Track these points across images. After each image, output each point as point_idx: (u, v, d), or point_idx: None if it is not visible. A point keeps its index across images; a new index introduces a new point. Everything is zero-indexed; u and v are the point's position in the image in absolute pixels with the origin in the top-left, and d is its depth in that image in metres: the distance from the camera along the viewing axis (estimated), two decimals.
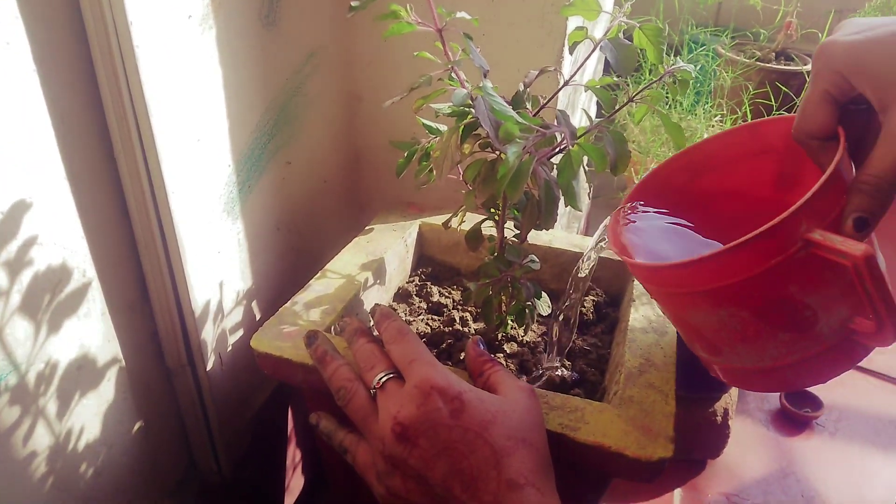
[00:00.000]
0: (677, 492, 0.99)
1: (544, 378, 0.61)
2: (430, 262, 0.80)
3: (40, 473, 0.50)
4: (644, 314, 0.63)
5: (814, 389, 1.17)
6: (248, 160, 0.65)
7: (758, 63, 1.41)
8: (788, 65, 1.45)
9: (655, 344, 0.59)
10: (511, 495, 0.42)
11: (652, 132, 1.31)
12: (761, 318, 0.43)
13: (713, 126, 1.30)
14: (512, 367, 0.63)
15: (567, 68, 0.75)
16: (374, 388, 0.47)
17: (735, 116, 1.27)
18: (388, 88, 0.83)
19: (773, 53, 1.48)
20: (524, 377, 0.62)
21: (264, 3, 0.63)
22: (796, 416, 1.12)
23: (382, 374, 0.47)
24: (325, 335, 0.53)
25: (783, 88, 1.29)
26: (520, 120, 0.49)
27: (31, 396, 0.48)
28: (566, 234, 0.82)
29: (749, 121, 1.06)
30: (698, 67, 1.35)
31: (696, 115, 1.31)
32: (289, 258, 0.78)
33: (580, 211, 0.53)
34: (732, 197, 0.57)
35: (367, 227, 0.77)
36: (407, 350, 0.48)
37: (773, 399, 1.16)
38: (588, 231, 1.36)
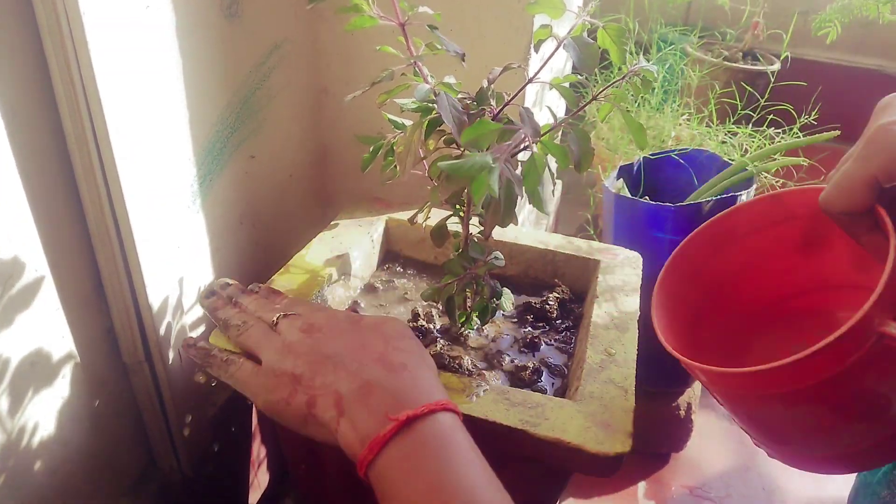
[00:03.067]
0: (641, 485, 1.01)
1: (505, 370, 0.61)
2: (398, 258, 0.80)
3: None
4: (606, 311, 0.64)
5: None
6: (209, 153, 0.64)
7: (724, 62, 1.43)
8: (755, 64, 1.47)
9: (617, 340, 0.60)
10: (401, 357, 0.46)
11: (620, 129, 1.32)
12: (837, 411, 0.43)
13: (680, 124, 1.32)
14: (476, 360, 0.63)
15: (535, 66, 0.75)
16: (276, 320, 0.51)
17: (702, 115, 1.29)
18: (356, 82, 0.82)
19: (741, 53, 1.50)
20: (489, 371, 0.62)
21: None
22: None
23: (282, 313, 0.52)
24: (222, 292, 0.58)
25: (748, 88, 1.31)
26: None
27: None
28: (533, 230, 0.82)
29: (715, 123, 1.07)
30: (666, 66, 1.37)
31: (663, 113, 1.32)
32: (253, 252, 0.77)
33: (546, 214, 0.53)
34: (756, 268, 0.57)
35: (332, 223, 0.76)
36: (294, 300, 0.55)
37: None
38: (557, 227, 1.36)
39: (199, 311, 0.68)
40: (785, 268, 0.55)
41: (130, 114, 0.51)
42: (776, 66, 1.45)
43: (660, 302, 0.55)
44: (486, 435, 0.50)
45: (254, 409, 0.83)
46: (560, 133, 0.58)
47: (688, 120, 1.33)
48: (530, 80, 0.57)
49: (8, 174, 0.46)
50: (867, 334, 0.39)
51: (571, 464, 0.50)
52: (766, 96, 1.12)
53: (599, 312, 0.64)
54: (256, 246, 0.77)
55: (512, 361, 0.63)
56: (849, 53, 1.89)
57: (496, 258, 0.61)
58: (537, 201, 0.50)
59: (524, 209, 1.02)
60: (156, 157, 0.56)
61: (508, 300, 0.64)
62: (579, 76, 0.62)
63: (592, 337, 0.60)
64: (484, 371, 0.61)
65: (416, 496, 0.39)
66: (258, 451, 0.87)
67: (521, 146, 0.54)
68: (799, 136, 1.02)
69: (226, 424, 0.75)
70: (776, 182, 1.11)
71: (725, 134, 1.18)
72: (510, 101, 0.58)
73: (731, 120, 1.17)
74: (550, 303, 0.70)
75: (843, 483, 1.01)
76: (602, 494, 0.99)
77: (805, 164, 0.96)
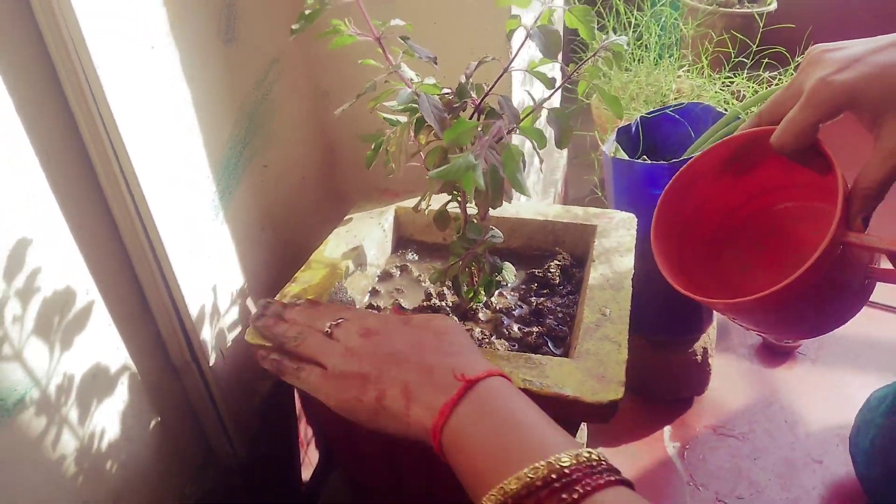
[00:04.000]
0: (667, 429, 1.06)
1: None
2: (410, 243, 0.86)
3: (71, 473, 0.57)
4: (602, 272, 0.69)
5: None
6: (225, 169, 0.71)
7: (719, 9, 1.43)
8: (751, 7, 1.47)
9: (612, 299, 0.65)
10: (455, 347, 0.51)
11: (619, 91, 1.35)
12: (817, 303, 0.54)
13: (679, 77, 1.34)
14: (487, 332, 0.68)
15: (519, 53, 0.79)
16: (329, 328, 0.55)
17: (699, 65, 1.30)
18: (354, 82, 0.87)
19: None
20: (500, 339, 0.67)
21: (221, 22, 0.67)
22: (778, 348, 1.18)
23: (333, 321, 0.56)
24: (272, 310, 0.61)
25: (739, 36, 1.31)
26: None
27: (53, 407, 0.54)
28: (533, 203, 0.87)
29: (712, 73, 1.10)
30: (662, 20, 1.38)
31: (661, 68, 1.34)
32: (277, 254, 0.84)
33: (529, 196, 0.58)
34: (714, 195, 0.67)
35: (346, 217, 0.82)
36: (337, 308, 0.59)
37: (755, 335, 1.22)
38: (566, 193, 1.40)
39: (234, 314, 0.75)
40: (732, 187, 0.66)
41: (149, 145, 0.57)
42: (772, 6, 1.45)
43: (659, 250, 0.63)
44: None
45: (296, 393, 0.91)
46: (539, 115, 0.63)
47: (687, 72, 1.35)
48: (505, 70, 0.62)
49: (52, 215, 0.53)
50: (836, 246, 0.50)
51: (573, 414, 0.55)
52: (758, 40, 1.13)
53: (595, 275, 0.69)
54: (280, 247, 0.84)
55: (519, 329, 0.68)
56: None
57: (493, 236, 0.67)
58: (518, 186, 0.55)
59: (530, 181, 1.07)
60: (177, 181, 0.62)
61: (510, 272, 0.69)
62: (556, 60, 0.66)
63: (589, 299, 0.65)
64: (494, 340, 0.67)
65: (486, 443, 0.43)
66: (305, 431, 0.95)
67: (504, 134, 0.59)
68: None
69: (272, 410, 0.83)
70: None
71: (723, 82, 1.20)
72: (489, 91, 0.62)
73: (727, 68, 1.19)
74: (552, 270, 0.75)
75: (847, 413, 1.04)
76: (630, 441, 1.05)
77: None
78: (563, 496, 0.38)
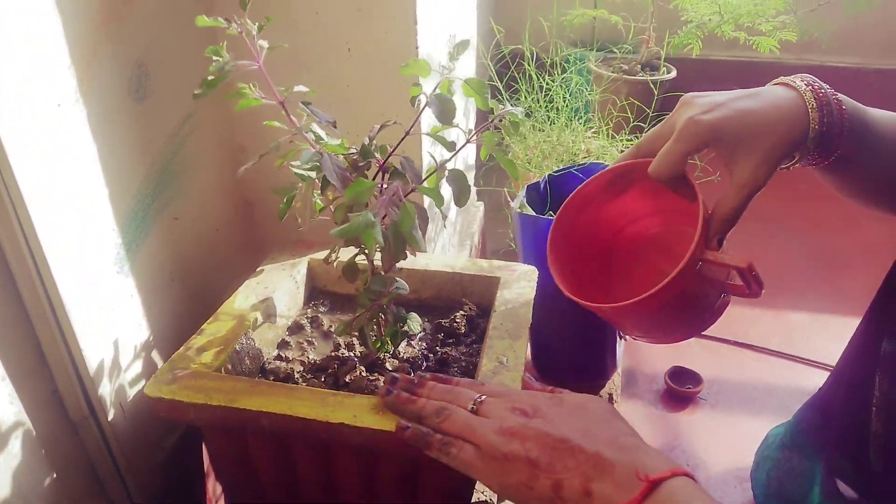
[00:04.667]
0: None
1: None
2: (323, 294, 0.88)
3: None
4: (502, 322, 0.73)
5: (694, 366, 1.29)
6: (132, 222, 0.71)
7: (624, 76, 1.54)
8: (653, 74, 1.60)
9: (509, 348, 0.69)
10: (628, 440, 0.51)
11: (537, 148, 1.42)
12: (680, 309, 0.62)
13: (588, 138, 1.42)
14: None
15: (424, 117, 0.84)
16: (473, 406, 0.54)
17: (607, 128, 1.40)
18: (270, 138, 0.89)
19: (639, 66, 1.62)
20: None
21: (133, 82, 0.69)
22: (679, 393, 1.24)
23: (478, 396, 0.55)
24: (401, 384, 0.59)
25: (637, 102, 1.41)
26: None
27: None
28: (442, 257, 0.91)
29: (615, 134, 1.20)
30: (572, 85, 1.48)
31: (571, 129, 1.42)
32: (188, 306, 0.84)
33: (423, 251, 0.61)
34: (601, 218, 0.74)
35: (258, 269, 0.84)
36: (469, 382, 0.60)
37: (659, 380, 1.28)
38: (484, 247, 1.45)
39: (138, 367, 0.74)
40: (616, 211, 0.73)
41: (50, 197, 0.58)
42: (672, 74, 1.57)
43: (554, 266, 0.68)
44: (398, 443, 0.58)
45: (204, 448, 0.89)
46: (443, 175, 0.67)
47: (595, 133, 1.44)
48: (407, 133, 0.66)
49: None
50: (695, 262, 0.57)
51: None
52: (654, 105, 1.23)
53: (496, 324, 0.72)
54: (190, 300, 0.84)
55: None
56: (749, 50, 2.04)
57: (399, 288, 0.69)
58: (413, 242, 0.59)
59: (445, 235, 1.11)
60: (79, 233, 0.63)
61: (416, 322, 0.72)
62: (454, 124, 0.71)
63: (489, 348, 0.69)
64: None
65: None
66: (214, 488, 0.93)
67: (407, 191, 0.63)
68: None
69: (177, 466, 0.82)
70: None
71: (624, 144, 1.29)
72: (392, 152, 0.66)
73: (627, 130, 1.28)
74: (458, 321, 0.78)
75: (746, 457, 1.11)
76: None
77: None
78: None
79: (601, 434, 0.50)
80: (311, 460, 0.65)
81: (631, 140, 1.25)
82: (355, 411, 0.59)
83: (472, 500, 0.97)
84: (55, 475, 0.65)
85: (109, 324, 0.68)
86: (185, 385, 0.62)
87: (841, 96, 0.61)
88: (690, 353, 1.39)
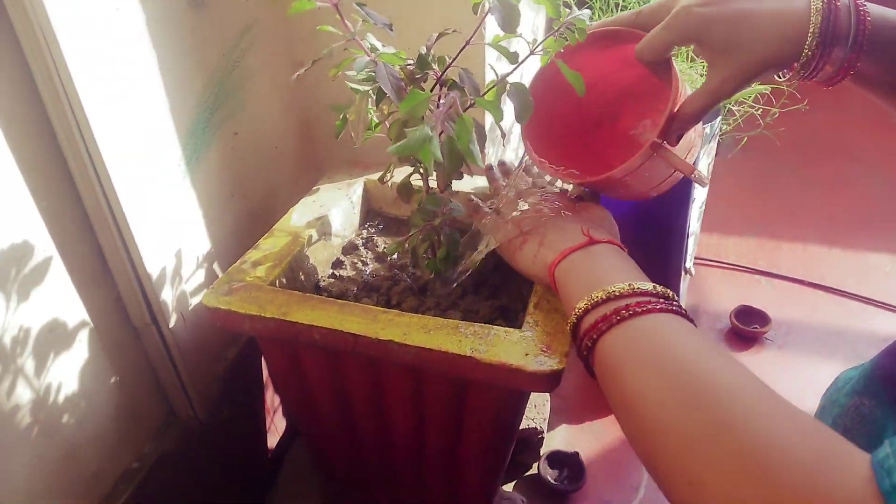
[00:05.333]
0: None
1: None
2: (379, 215, 0.87)
3: (25, 423, 0.58)
4: None
5: (762, 306, 1.24)
6: (192, 135, 0.71)
7: None
8: None
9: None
10: (606, 227, 0.66)
11: None
12: (642, 179, 0.67)
13: None
14: (443, 303, 0.69)
15: (489, 27, 0.79)
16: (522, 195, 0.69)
17: (687, 50, 1.31)
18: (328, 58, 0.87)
19: None
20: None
21: None
22: (745, 333, 1.19)
23: (529, 196, 0.69)
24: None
25: None
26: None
27: (8, 357, 0.55)
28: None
29: (692, 55, 1.12)
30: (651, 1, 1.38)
31: None
32: (245, 221, 0.84)
33: (480, 166, 0.59)
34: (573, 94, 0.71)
35: (314, 188, 0.83)
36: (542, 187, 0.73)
37: (724, 318, 1.23)
38: None
39: (200, 278, 0.76)
40: (594, 67, 0.72)
41: (109, 106, 0.58)
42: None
43: (526, 129, 0.71)
44: (443, 363, 0.57)
45: (263, 362, 0.92)
46: (504, 88, 0.64)
47: (673, 55, 1.35)
48: (467, 43, 0.62)
49: (10, 172, 0.53)
50: (655, 149, 0.61)
51: (517, 383, 0.57)
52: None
53: None
54: (249, 215, 0.85)
55: (475, 303, 0.69)
56: None
57: (453, 209, 0.67)
58: (471, 158, 0.56)
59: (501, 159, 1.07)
60: (140, 143, 0.63)
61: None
62: (518, 34, 0.67)
63: None
64: (449, 311, 0.68)
65: (581, 278, 0.54)
66: (272, 400, 0.96)
67: (466, 105, 0.60)
68: None
69: (237, 377, 0.84)
70: (756, 109, 1.14)
71: (704, 68, 1.21)
72: (451, 63, 0.63)
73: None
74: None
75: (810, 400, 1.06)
76: (595, 419, 1.07)
77: (766, 89, 0.98)
78: (614, 315, 0.47)
79: (576, 216, 0.65)
80: (362, 376, 0.66)
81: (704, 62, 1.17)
82: (405, 329, 0.59)
83: (521, 427, 0.97)
84: (118, 378, 0.68)
85: (171, 234, 0.69)
86: (241, 297, 0.63)
87: (871, 6, 0.53)
88: (759, 292, 1.33)
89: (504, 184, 0.73)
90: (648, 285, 0.49)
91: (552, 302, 0.62)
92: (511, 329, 0.59)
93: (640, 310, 0.46)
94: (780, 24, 0.53)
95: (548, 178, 0.74)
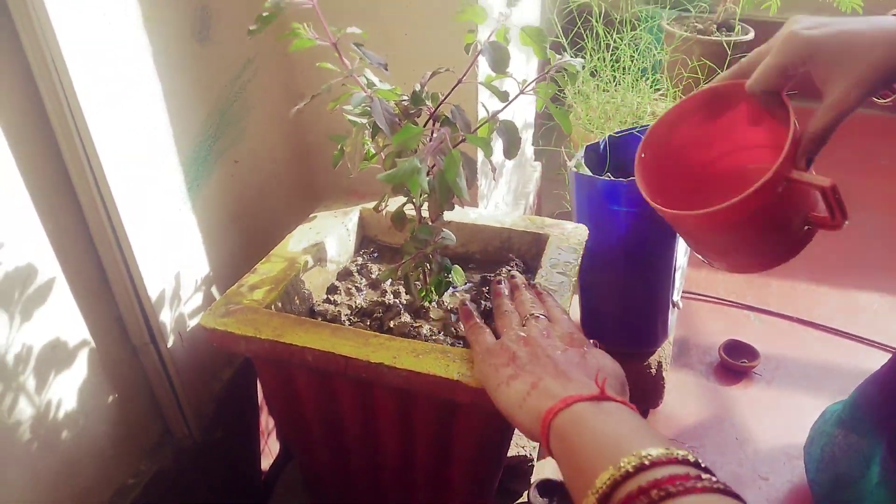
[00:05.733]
0: None
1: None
2: (373, 243, 0.89)
3: (25, 438, 0.60)
4: (547, 279, 0.72)
5: (751, 341, 1.26)
6: (194, 162, 0.74)
7: (697, 35, 1.48)
8: (729, 35, 1.52)
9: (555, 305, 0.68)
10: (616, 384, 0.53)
11: (600, 109, 1.39)
12: (761, 229, 0.63)
13: (655, 100, 1.38)
14: (436, 329, 0.72)
15: (482, 66, 0.83)
16: (527, 316, 0.61)
17: (675, 90, 1.35)
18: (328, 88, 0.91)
19: (715, 25, 1.55)
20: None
21: (196, 22, 0.71)
22: (734, 367, 1.21)
23: (538, 313, 0.61)
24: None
25: (708, 62, 1.35)
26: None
27: (11, 374, 0.57)
28: (493, 212, 0.90)
29: (680, 95, 1.16)
30: (641, 44, 1.43)
31: (638, 90, 1.38)
32: (244, 246, 0.87)
33: (466, 199, 0.61)
34: (695, 141, 0.74)
35: (311, 215, 0.86)
36: (555, 307, 0.64)
37: (713, 353, 1.25)
38: (540, 207, 1.44)
39: (198, 300, 0.78)
40: (709, 138, 0.73)
41: (115, 132, 0.61)
42: (749, 36, 1.50)
43: (641, 174, 0.71)
44: (431, 386, 0.59)
45: (258, 383, 0.94)
46: (493, 125, 0.67)
47: (663, 96, 1.39)
48: (459, 81, 0.65)
49: (17, 192, 0.56)
50: (781, 180, 0.58)
51: None
52: (726, 67, 1.17)
53: (541, 281, 0.72)
54: (248, 240, 0.87)
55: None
56: (830, 10, 1.92)
57: (445, 238, 0.70)
58: (457, 190, 0.59)
59: (495, 194, 1.11)
60: (143, 169, 0.66)
61: (459, 275, 0.72)
62: (508, 74, 0.70)
63: None
64: (441, 337, 0.70)
65: (593, 440, 0.44)
66: (266, 422, 0.98)
67: (456, 140, 0.63)
68: None
69: (231, 398, 0.86)
70: None
71: None
72: (444, 100, 0.66)
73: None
74: (503, 275, 0.79)
75: (797, 434, 1.08)
76: None
77: None
78: (651, 492, 0.37)
79: (582, 365, 0.53)
80: (353, 398, 0.68)
81: None
82: (395, 353, 0.61)
83: (511, 454, 0.98)
84: (116, 395, 0.70)
85: (171, 257, 0.71)
86: (238, 318, 0.65)
87: None
88: (748, 327, 1.35)
89: (508, 303, 0.65)
90: (685, 452, 0.41)
91: None
92: None
93: (689, 485, 0.38)
94: (887, 34, 0.57)
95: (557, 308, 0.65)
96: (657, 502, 0.37)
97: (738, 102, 0.67)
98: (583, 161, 1.08)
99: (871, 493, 0.86)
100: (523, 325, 0.60)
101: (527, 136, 1.37)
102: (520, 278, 0.70)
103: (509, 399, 0.52)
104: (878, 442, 0.88)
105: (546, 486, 1.00)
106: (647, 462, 0.39)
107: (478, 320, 0.63)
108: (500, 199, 1.14)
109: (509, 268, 0.80)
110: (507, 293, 0.67)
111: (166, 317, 0.71)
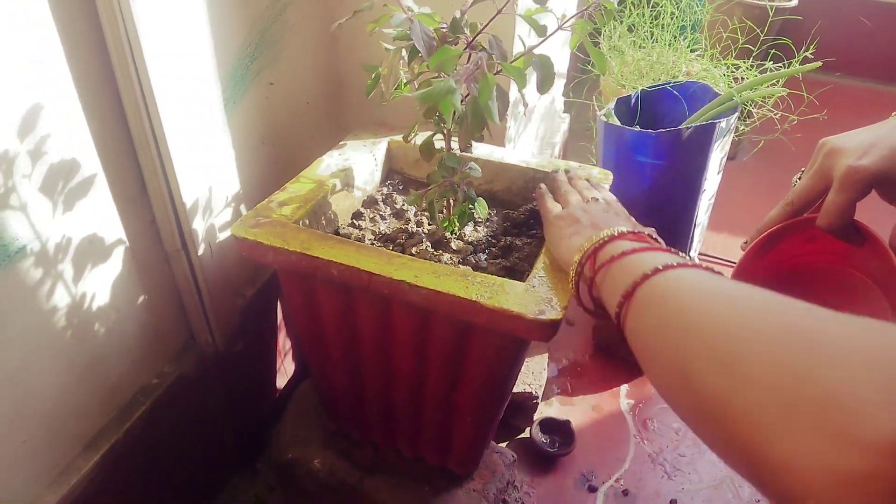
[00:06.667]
0: (624, 387, 1.12)
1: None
2: (400, 175, 0.91)
3: (60, 325, 0.63)
4: None
5: None
6: (232, 78, 0.76)
7: None
8: (772, 1, 1.49)
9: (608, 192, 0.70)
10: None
11: (634, 65, 1.38)
12: None
13: (692, 60, 1.37)
14: (456, 259, 0.74)
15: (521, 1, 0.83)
16: (588, 199, 0.70)
17: (713, 52, 1.33)
18: (366, 17, 0.91)
19: None
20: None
21: None
22: None
23: (591, 196, 0.71)
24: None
25: (748, 23, 1.33)
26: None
27: (50, 262, 0.60)
28: (518, 152, 0.91)
29: (722, 58, 1.14)
30: (682, 1, 1.41)
31: (675, 48, 1.37)
32: (274, 169, 0.89)
33: (497, 124, 0.62)
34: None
35: (340, 143, 0.87)
36: (606, 195, 0.74)
37: None
38: (565, 154, 1.44)
39: (227, 216, 0.80)
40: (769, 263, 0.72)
41: (162, 41, 0.62)
42: (793, 3, 1.47)
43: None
44: (450, 306, 0.61)
45: (278, 304, 0.97)
46: (529, 59, 0.68)
47: (699, 56, 1.38)
48: (499, 12, 0.66)
49: (67, 92, 0.58)
50: None
51: (517, 329, 0.61)
52: (765, 31, 1.16)
53: None
54: (277, 164, 0.89)
55: (486, 260, 0.74)
56: None
57: (471, 168, 0.71)
58: (489, 113, 0.60)
59: (523, 137, 1.11)
60: (186, 81, 0.67)
61: (482, 207, 0.74)
62: (548, 9, 0.70)
63: None
64: (460, 266, 0.72)
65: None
66: (283, 342, 1.01)
67: (494, 70, 0.64)
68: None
69: (253, 315, 0.89)
70: (775, 113, 1.17)
71: (728, 68, 1.23)
72: (482, 29, 0.67)
73: (733, 54, 1.22)
74: (526, 214, 0.80)
75: None
76: (591, 392, 1.11)
77: (784, 93, 1.01)
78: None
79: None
80: (373, 316, 0.70)
81: (737, 63, 1.19)
82: (417, 272, 0.63)
83: (517, 390, 1.01)
84: (146, 297, 0.73)
85: (205, 170, 0.73)
86: (267, 230, 0.67)
87: None
88: None
89: (569, 186, 0.75)
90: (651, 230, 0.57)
91: (556, 263, 0.66)
92: (516, 282, 0.64)
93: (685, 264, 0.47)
94: None
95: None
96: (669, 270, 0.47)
97: (793, 236, 0.67)
98: (613, 112, 1.08)
99: None
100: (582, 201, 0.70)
101: (558, 87, 1.37)
102: (574, 171, 0.81)
103: (570, 248, 0.61)
104: None
105: (548, 424, 1.03)
106: (615, 234, 0.56)
107: (551, 201, 0.72)
108: (526, 146, 1.14)
109: (533, 206, 0.81)
110: (565, 179, 0.78)
111: (199, 225, 0.74)
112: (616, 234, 0.57)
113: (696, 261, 0.60)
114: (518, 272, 0.72)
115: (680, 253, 0.53)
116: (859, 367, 0.32)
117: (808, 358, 0.34)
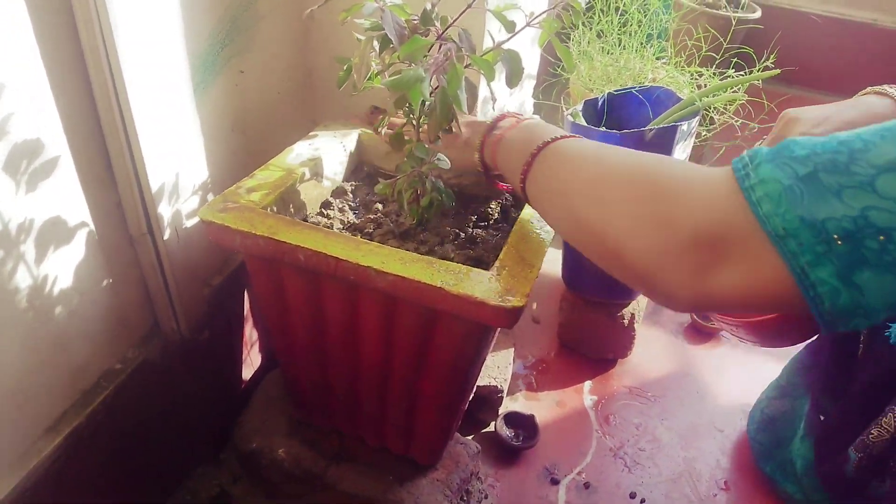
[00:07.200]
0: (587, 383, 1.14)
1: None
2: (370, 167, 0.91)
3: (22, 306, 0.62)
4: (534, 212, 0.75)
5: None
6: (203, 63, 0.76)
7: (705, 8, 1.49)
8: (736, 12, 1.54)
9: (536, 231, 0.72)
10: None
11: (602, 70, 1.41)
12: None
13: (658, 67, 1.40)
14: (423, 250, 0.75)
15: None
16: None
17: (678, 60, 1.37)
18: (339, 8, 0.92)
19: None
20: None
21: None
22: (703, 328, 1.26)
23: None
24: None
25: (712, 31, 1.37)
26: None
27: (12, 242, 0.59)
28: None
29: (682, 63, 1.17)
30: (651, 11, 1.44)
31: (642, 55, 1.40)
32: (243, 157, 0.89)
33: (465, 113, 0.64)
34: None
35: (310, 133, 0.88)
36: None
37: (685, 315, 1.30)
38: None
39: (194, 203, 0.80)
40: None
41: (133, 23, 0.62)
42: (756, 15, 1.51)
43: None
44: (415, 292, 0.62)
45: (245, 295, 0.96)
46: (497, 54, 0.69)
47: (665, 63, 1.41)
48: (469, 6, 0.67)
49: (34, 70, 0.58)
50: None
51: (481, 316, 0.62)
52: (728, 41, 1.20)
53: (529, 212, 0.75)
54: (247, 152, 0.89)
55: (452, 251, 0.75)
56: (843, 6, 1.93)
57: (440, 159, 0.73)
58: (457, 102, 0.61)
59: None
60: (155, 62, 0.67)
61: (450, 198, 0.75)
62: (517, 5, 0.72)
63: (518, 228, 0.72)
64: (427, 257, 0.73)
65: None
66: (250, 333, 1.01)
67: (462, 60, 0.65)
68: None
69: (220, 304, 0.89)
70: (736, 120, 1.20)
71: (692, 75, 1.27)
72: (452, 23, 0.68)
73: (697, 62, 1.25)
74: (492, 207, 0.82)
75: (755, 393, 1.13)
76: (554, 388, 1.13)
77: (744, 100, 1.05)
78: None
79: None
80: (340, 302, 0.71)
81: (701, 72, 1.23)
82: (384, 259, 0.64)
83: (483, 383, 1.03)
84: (111, 281, 0.73)
85: (173, 154, 0.73)
86: (235, 215, 0.68)
87: None
88: None
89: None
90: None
91: (520, 252, 0.68)
92: (480, 270, 0.65)
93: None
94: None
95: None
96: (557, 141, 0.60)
97: None
98: (580, 113, 1.10)
99: (797, 448, 0.92)
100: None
101: (528, 89, 1.39)
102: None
103: (469, 145, 0.72)
104: (806, 401, 0.94)
105: (512, 418, 1.04)
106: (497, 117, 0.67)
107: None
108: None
109: (499, 201, 0.83)
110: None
111: (165, 210, 0.73)
112: (497, 117, 0.70)
113: None
114: (483, 262, 0.74)
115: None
116: (681, 183, 0.47)
117: (648, 185, 0.49)
